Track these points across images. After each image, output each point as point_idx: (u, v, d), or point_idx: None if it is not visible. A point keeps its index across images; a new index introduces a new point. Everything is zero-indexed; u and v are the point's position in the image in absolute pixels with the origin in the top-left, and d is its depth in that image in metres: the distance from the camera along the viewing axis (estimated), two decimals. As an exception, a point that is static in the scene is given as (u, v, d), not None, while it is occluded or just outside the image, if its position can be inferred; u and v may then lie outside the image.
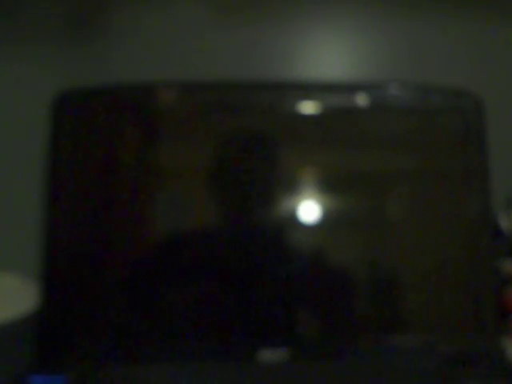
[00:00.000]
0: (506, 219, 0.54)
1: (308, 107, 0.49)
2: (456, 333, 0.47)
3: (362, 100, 0.49)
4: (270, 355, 0.45)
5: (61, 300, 0.46)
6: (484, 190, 0.48)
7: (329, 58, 0.59)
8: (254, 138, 0.49)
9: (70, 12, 0.58)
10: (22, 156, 0.56)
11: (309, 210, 0.47)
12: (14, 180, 0.56)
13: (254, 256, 0.47)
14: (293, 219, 0.47)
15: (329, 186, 0.48)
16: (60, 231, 0.46)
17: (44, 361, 0.44)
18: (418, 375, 0.45)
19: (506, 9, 0.59)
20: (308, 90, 0.49)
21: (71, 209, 0.47)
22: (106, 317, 0.46)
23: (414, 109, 0.49)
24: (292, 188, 0.48)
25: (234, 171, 0.49)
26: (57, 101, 0.47)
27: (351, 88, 0.49)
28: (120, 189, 0.48)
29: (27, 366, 0.44)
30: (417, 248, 0.48)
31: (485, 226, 0.48)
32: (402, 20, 0.59)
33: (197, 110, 0.49)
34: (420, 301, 0.48)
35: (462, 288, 0.48)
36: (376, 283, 0.48)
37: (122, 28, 0.58)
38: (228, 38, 0.58)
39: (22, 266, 0.49)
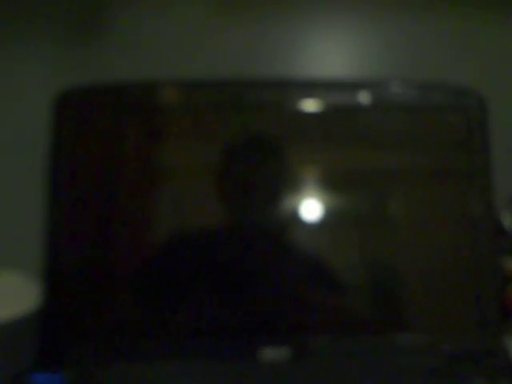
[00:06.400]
0: (508, 217, 0.54)
1: (310, 105, 0.48)
2: (458, 332, 0.47)
3: (364, 98, 0.49)
4: (271, 354, 0.45)
5: (63, 299, 0.46)
6: (487, 188, 0.48)
7: (331, 56, 0.59)
8: (257, 136, 0.49)
9: (71, 11, 0.58)
10: (24, 155, 0.56)
11: (311, 208, 0.47)
12: (17, 179, 0.57)
13: (256, 255, 0.47)
14: (295, 217, 0.47)
15: (331, 184, 0.48)
16: (63, 230, 0.47)
17: (46, 359, 0.44)
18: (420, 374, 0.45)
19: (509, 6, 0.58)
20: (310, 87, 0.49)
21: (74, 207, 0.47)
22: (107, 316, 0.46)
23: (416, 107, 0.49)
24: (295, 186, 0.48)
25: (236, 169, 0.49)
26: (59, 100, 0.47)
27: (353, 86, 0.49)
28: (122, 187, 0.48)
29: (29, 364, 0.44)
30: (419, 246, 0.48)
31: (487, 225, 0.48)
32: (405, 17, 0.59)
33: (199, 109, 0.49)
34: (422, 299, 0.48)
35: (464, 286, 0.48)
36: (378, 282, 0.48)
37: (124, 27, 0.58)
38: (229, 36, 0.58)
39: (24, 264, 0.50)
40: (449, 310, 0.47)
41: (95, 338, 0.45)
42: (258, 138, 0.49)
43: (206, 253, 0.47)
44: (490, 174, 0.48)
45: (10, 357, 0.44)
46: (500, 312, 0.48)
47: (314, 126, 0.49)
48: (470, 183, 0.48)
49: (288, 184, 0.48)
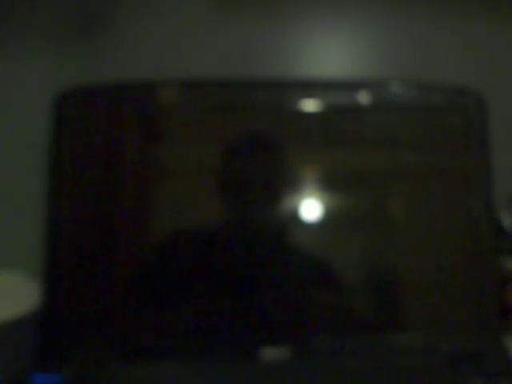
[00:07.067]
0: (508, 217, 0.54)
1: (310, 105, 0.48)
2: (458, 332, 0.47)
3: (363, 98, 0.49)
4: (271, 354, 0.45)
5: (63, 298, 0.46)
6: (486, 188, 0.48)
7: (330, 56, 0.59)
8: (256, 136, 0.49)
9: (72, 9, 0.58)
10: (24, 154, 0.56)
11: (311, 209, 0.47)
12: (17, 178, 0.57)
13: (256, 254, 0.47)
14: (295, 217, 0.47)
15: (331, 185, 0.48)
16: (62, 229, 0.47)
17: (45, 359, 0.44)
18: (420, 375, 0.45)
19: (509, 7, 0.58)
20: (310, 88, 0.49)
21: (73, 207, 0.47)
22: (107, 315, 0.46)
23: (416, 107, 0.49)
24: (294, 186, 0.48)
25: (236, 169, 0.49)
26: (59, 99, 0.47)
27: (353, 86, 0.49)
28: (122, 187, 0.48)
29: (29, 364, 0.44)
30: (419, 246, 0.48)
31: (487, 224, 0.48)
32: (404, 17, 0.59)
33: (199, 109, 0.49)
34: (422, 299, 0.48)
35: (464, 286, 0.48)
36: (378, 282, 0.48)
37: (124, 26, 0.58)
38: (229, 36, 0.58)
39: (24, 264, 0.50)
40: (449, 310, 0.47)
41: (95, 338, 0.45)
42: (258, 138, 0.49)
43: (206, 252, 0.47)
44: (489, 173, 0.48)
45: (9, 357, 0.44)
46: (500, 312, 0.48)
47: (313, 126, 0.49)
48: (469, 183, 0.48)
49: (288, 184, 0.48)
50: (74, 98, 0.48)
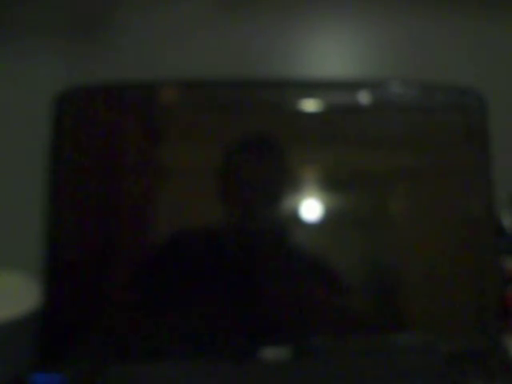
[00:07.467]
0: (508, 217, 0.54)
1: (310, 105, 0.48)
2: (458, 331, 0.47)
3: (364, 98, 0.49)
4: (272, 354, 0.45)
5: (63, 298, 0.46)
6: (487, 187, 0.48)
7: (331, 56, 0.59)
8: (257, 136, 0.49)
9: (72, 9, 0.58)
10: (24, 154, 0.56)
11: (311, 209, 0.47)
12: (17, 178, 0.56)
13: (257, 254, 0.47)
14: (295, 217, 0.47)
15: (331, 184, 0.48)
16: (63, 229, 0.47)
17: (46, 359, 0.44)
18: (420, 374, 0.45)
19: (509, 6, 0.58)
20: (310, 87, 0.49)
21: (74, 207, 0.47)
22: (107, 316, 0.46)
23: (416, 106, 0.49)
24: (294, 186, 0.48)
25: (236, 169, 0.49)
26: (59, 98, 0.47)
27: (354, 86, 0.49)
28: (122, 187, 0.48)
29: (29, 364, 0.44)
30: (419, 246, 0.48)
31: (487, 224, 0.48)
32: (405, 17, 0.59)
33: (199, 108, 0.49)
34: (422, 299, 0.48)
35: (464, 286, 0.48)
36: (378, 281, 0.48)
37: (125, 26, 0.58)
38: (229, 36, 0.58)
39: (24, 264, 0.50)
40: (449, 309, 0.47)
41: (95, 338, 0.45)
42: (258, 138, 0.49)
43: (206, 253, 0.47)
44: (489, 173, 0.48)
45: (9, 357, 0.44)
46: (500, 312, 0.48)
47: (314, 126, 0.49)
48: (470, 183, 0.48)
49: (288, 184, 0.48)
50: (74, 98, 0.48)
